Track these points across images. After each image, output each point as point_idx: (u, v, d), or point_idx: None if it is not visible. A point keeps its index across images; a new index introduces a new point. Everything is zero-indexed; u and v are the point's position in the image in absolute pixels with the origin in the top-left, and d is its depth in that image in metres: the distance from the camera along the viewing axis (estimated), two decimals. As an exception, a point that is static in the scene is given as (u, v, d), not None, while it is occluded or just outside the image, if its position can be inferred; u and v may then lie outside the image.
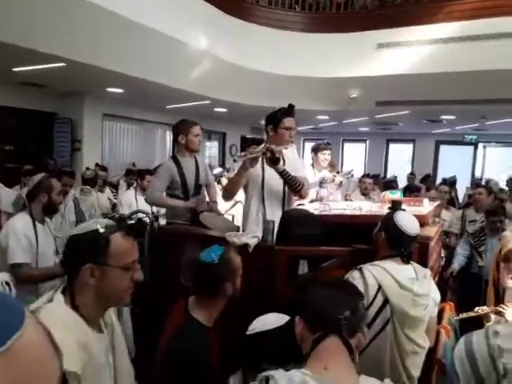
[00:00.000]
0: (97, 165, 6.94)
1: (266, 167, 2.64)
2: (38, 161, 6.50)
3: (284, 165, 2.63)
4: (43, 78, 6.13)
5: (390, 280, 1.81)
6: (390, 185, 5.40)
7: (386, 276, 1.82)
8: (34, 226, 2.57)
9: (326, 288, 1.28)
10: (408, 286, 1.80)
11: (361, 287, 1.71)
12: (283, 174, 2.61)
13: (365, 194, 5.05)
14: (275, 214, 2.59)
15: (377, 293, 1.79)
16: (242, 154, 2.56)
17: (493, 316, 2.35)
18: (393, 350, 1.79)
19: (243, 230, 2.72)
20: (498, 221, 3.86)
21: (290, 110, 2.69)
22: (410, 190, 4.93)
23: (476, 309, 2.41)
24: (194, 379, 1.47)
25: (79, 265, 1.17)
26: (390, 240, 1.92)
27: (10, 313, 0.40)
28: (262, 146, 2.66)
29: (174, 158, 3.19)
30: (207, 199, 3.45)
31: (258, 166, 2.63)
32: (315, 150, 4.01)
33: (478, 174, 12.03)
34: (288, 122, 2.66)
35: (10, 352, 0.38)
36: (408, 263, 1.90)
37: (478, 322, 2.76)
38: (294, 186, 2.68)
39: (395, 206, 2.10)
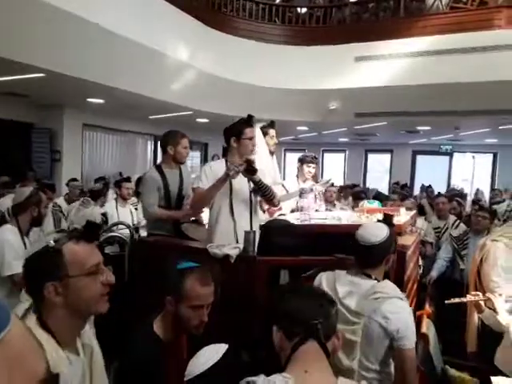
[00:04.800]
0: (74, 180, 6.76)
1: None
2: (16, 172, 6.39)
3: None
4: (22, 88, 6.06)
5: (329, 287, 1.80)
6: (359, 195, 5.52)
7: (326, 282, 1.84)
8: (22, 238, 2.60)
9: (299, 295, 1.31)
10: (340, 297, 1.74)
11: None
12: (259, 184, 2.64)
13: (330, 201, 5.14)
14: (243, 225, 2.59)
15: None
16: (233, 166, 2.46)
17: (486, 309, 2.36)
18: None
19: (211, 241, 2.65)
20: (482, 216, 3.96)
21: (250, 120, 2.71)
22: (380, 199, 5.05)
23: (468, 296, 2.40)
24: None
25: (40, 286, 1.10)
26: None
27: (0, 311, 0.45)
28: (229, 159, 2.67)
29: (159, 169, 3.13)
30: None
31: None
32: (301, 161, 4.05)
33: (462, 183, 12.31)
34: (250, 132, 2.68)
35: (3, 342, 0.42)
36: (367, 276, 1.79)
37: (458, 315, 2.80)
38: (267, 195, 2.71)
39: (387, 219, 2.02)
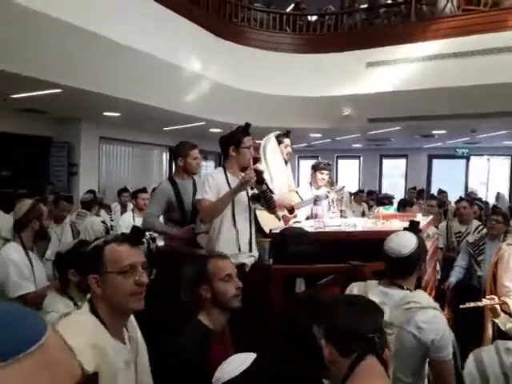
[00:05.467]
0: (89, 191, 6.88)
1: (233, 187, 2.60)
2: (35, 186, 6.53)
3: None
4: (40, 103, 6.21)
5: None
6: (383, 201, 5.48)
7: (357, 293, 1.82)
8: (27, 254, 2.51)
9: (350, 308, 1.26)
10: None
11: None
12: (265, 193, 2.65)
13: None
14: (244, 234, 2.59)
15: None
16: (249, 176, 2.47)
17: (502, 314, 2.34)
18: None
19: (212, 250, 2.62)
20: (496, 220, 3.91)
21: (247, 129, 2.71)
22: (404, 205, 5.00)
23: (483, 300, 2.38)
24: (188, 377, 1.47)
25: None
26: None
27: (38, 318, 0.50)
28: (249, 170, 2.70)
29: (171, 180, 3.15)
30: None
31: (227, 186, 2.62)
32: (315, 168, 4.04)
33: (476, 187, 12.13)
34: (248, 140, 2.68)
35: (44, 346, 0.47)
36: (399, 287, 1.77)
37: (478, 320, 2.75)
38: (271, 205, 2.73)
39: (413, 227, 1.98)
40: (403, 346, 1.63)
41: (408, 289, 1.77)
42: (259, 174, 2.54)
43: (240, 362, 1.34)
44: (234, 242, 2.57)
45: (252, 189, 2.68)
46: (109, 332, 1.23)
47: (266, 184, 2.71)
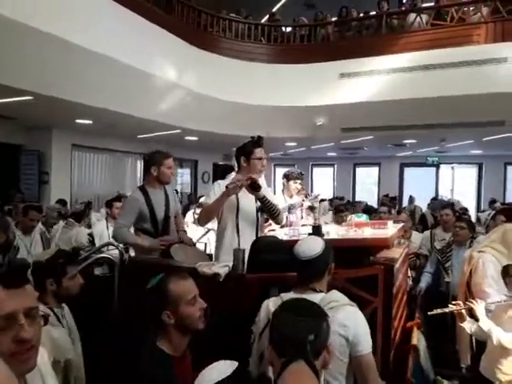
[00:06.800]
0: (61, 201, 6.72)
1: (240, 195, 2.67)
2: (4, 194, 6.35)
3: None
4: (10, 110, 6.07)
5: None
6: (339, 208, 5.52)
7: (273, 307, 1.77)
8: None
9: (289, 312, 1.29)
10: None
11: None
12: (263, 201, 2.69)
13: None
14: (248, 243, 2.59)
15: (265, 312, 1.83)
16: (234, 182, 2.53)
17: (468, 318, 2.40)
18: None
19: (216, 259, 2.72)
20: (460, 227, 3.98)
21: (259, 141, 2.79)
22: (369, 213, 5.09)
23: (450, 306, 2.43)
24: None
25: None
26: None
27: None
28: (235, 175, 2.73)
29: (143, 189, 3.08)
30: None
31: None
32: (287, 177, 4.08)
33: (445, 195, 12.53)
34: (259, 152, 2.75)
35: None
36: (314, 290, 1.79)
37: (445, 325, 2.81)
38: (272, 212, 2.75)
39: (317, 230, 2.14)
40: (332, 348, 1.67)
41: (321, 291, 1.81)
42: (253, 180, 2.58)
43: (221, 369, 1.31)
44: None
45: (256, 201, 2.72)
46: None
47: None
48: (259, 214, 2.76)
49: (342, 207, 5.27)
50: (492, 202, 9.55)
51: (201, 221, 2.81)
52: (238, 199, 2.67)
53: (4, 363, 0.48)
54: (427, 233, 5.06)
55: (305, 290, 1.80)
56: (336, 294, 1.79)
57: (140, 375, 1.50)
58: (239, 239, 2.67)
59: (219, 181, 2.79)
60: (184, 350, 1.62)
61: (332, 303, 1.70)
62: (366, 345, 1.68)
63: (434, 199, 8.60)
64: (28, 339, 0.99)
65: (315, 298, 1.74)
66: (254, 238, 2.69)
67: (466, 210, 8.10)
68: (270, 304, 1.83)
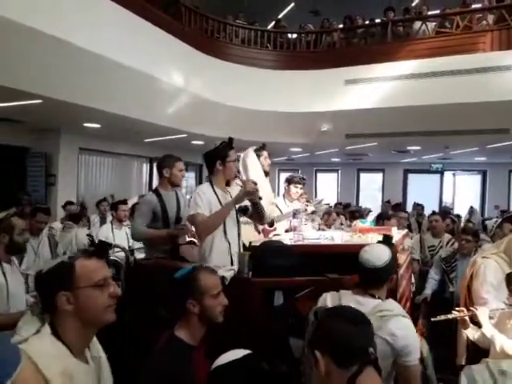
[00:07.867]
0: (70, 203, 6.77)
1: (223, 200, 2.61)
2: (11, 196, 6.41)
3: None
4: (19, 113, 6.14)
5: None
6: (355, 214, 5.61)
7: (331, 302, 1.89)
8: (1, 266, 2.45)
9: (345, 321, 1.28)
10: None
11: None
12: (257, 205, 2.71)
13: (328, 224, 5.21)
14: (235, 245, 2.62)
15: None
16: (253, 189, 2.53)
17: (471, 325, 2.41)
18: None
19: (206, 263, 2.65)
20: (466, 240, 3.96)
21: (231, 143, 2.77)
22: (382, 218, 5.10)
23: (453, 312, 2.44)
24: None
25: (53, 296, 1.24)
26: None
27: (14, 349, 0.51)
28: (245, 179, 2.76)
29: (156, 191, 3.23)
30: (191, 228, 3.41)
31: (217, 201, 2.62)
32: (289, 182, 4.10)
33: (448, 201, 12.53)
34: (233, 154, 2.73)
35: (19, 376, 0.48)
36: (371, 296, 1.85)
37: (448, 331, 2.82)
38: (262, 215, 2.79)
39: (387, 240, 2.10)
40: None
41: (380, 298, 1.86)
42: (255, 185, 2.60)
43: (237, 352, 1.47)
44: (227, 254, 2.57)
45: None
46: (73, 352, 1.22)
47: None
48: (238, 215, 2.72)
49: (356, 214, 5.32)
50: (496, 207, 9.61)
51: (201, 234, 2.60)
52: (222, 204, 2.60)
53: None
54: (416, 237, 5.10)
55: (363, 293, 1.86)
56: (391, 304, 1.84)
57: (158, 364, 1.58)
58: (229, 244, 2.60)
59: (200, 190, 2.64)
60: (200, 340, 1.71)
61: (385, 312, 1.75)
62: (415, 356, 1.74)
63: (417, 204, 8.67)
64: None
65: (371, 302, 1.81)
66: (237, 240, 2.67)
67: (458, 216, 8.18)
68: (328, 298, 1.90)
